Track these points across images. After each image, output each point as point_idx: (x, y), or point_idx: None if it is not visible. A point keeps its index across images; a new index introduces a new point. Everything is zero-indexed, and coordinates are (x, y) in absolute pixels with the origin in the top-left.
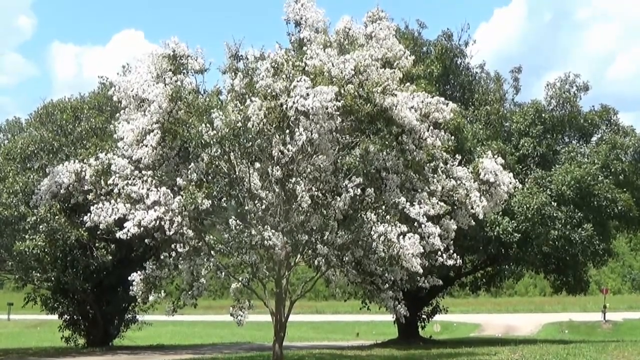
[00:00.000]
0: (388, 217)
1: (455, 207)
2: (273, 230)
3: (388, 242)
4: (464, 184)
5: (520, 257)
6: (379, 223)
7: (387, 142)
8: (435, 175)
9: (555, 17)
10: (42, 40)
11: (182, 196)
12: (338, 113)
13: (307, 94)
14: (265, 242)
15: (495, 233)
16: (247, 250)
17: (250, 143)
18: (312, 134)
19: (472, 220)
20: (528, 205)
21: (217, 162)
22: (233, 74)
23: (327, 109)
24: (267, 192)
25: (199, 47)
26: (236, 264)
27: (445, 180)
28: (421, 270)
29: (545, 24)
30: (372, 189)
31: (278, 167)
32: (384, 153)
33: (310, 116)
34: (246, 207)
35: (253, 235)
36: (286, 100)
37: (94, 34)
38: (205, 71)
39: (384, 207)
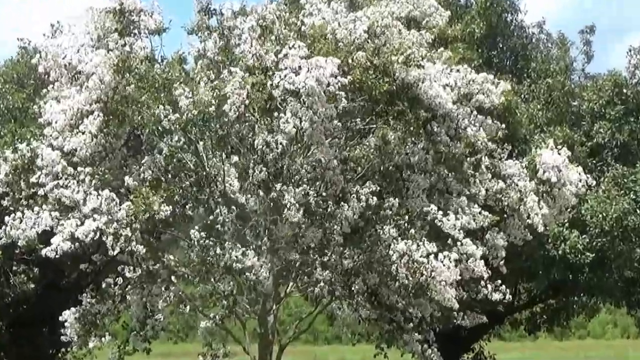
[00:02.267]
0: (413, 231)
1: (505, 217)
2: (255, 249)
3: (413, 264)
4: (517, 185)
5: (595, 285)
6: (400, 239)
7: (412, 130)
8: (478, 174)
9: None
10: None
11: (131, 201)
12: (343, 94)
13: (300, 67)
14: (245, 264)
15: (559, 252)
16: (221, 276)
17: (226, 130)
18: (301, 123)
19: (529, 235)
20: (604, 214)
21: (180, 155)
22: (204, 34)
23: (327, 86)
24: (248, 196)
25: None
26: (206, 295)
27: (491, 181)
28: (457, 305)
29: None
30: (391, 192)
31: (262, 164)
32: (408, 144)
33: (303, 98)
34: (219, 217)
35: (228, 254)
36: (273, 75)
37: None
38: (164, 31)
39: (407, 217)
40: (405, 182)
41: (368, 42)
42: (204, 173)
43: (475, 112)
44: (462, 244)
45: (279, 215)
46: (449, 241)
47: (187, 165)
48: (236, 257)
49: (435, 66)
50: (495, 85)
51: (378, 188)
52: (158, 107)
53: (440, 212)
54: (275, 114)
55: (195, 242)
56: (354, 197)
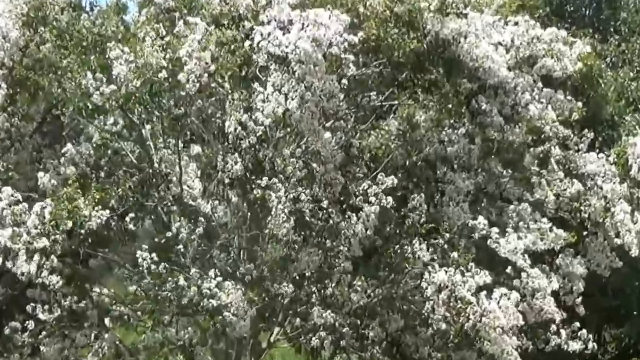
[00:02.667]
0: (455, 254)
1: (585, 234)
2: (221, 279)
3: (456, 303)
4: (601, 188)
5: None
6: (436, 265)
7: (450, 108)
8: (545, 172)
9: None
10: None
11: (50, 206)
12: (352, 59)
13: (290, 22)
14: (211, 300)
15: None
16: (176, 317)
17: (183, 108)
18: (287, 101)
19: (618, 259)
20: None
21: (117, 144)
22: None
23: (329, 47)
24: (215, 203)
25: None
26: (155, 346)
27: (564, 182)
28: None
29: None
30: (421, 196)
31: (236, 154)
32: (445, 129)
33: (293, 65)
34: (173, 231)
35: (194, 286)
36: (252, 29)
37: None
38: None
39: (446, 234)
40: (440, 184)
41: None
42: (152, 169)
43: (540, 84)
44: (528, 275)
45: (260, 230)
46: (508, 269)
47: (128, 158)
48: (209, 289)
49: (484, 17)
50: (570, 46)
51: (395, 184)
52: (86, 75)
53: (495, 229)
54: (255, 84)
55: (144, 269)
56: (365, 198)
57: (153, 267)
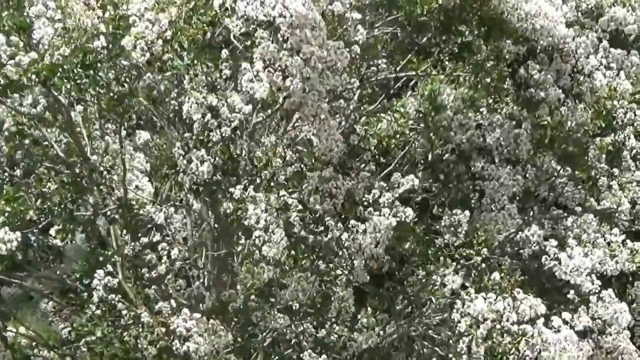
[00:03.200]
0: (497, 275)
1: None
2: (188, 315)
3: (502, 337)
4: None
5: None
6: (471, 291)
7: (489, 81)
8: (617, 171)
9: None
10: None
11: None
12: (359, 17)
13: None
14: (187, 342)
15: None
16: None
17: (128, 84)
18: (284, 80)
19: None
20: None
21: (37, 132)
22: None
23: (330, 3)
24: (170, 210)
25: None
26: None
27: None
28: None
29: None
30: (465, 214)
31: (203, 150)
32: (482, 110)
33: (284, 31)
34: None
35: (150, 320)
36: None
37: None
38: None
39: (483, 249)
40: (478, 183)
41: None
42: (86, 165)
43: (607, 44)
44: (600, 300)
45: (232, 247)
46: (571, 294)
47: (53, 150)
48: (181, 327)
49: None
50: None
51: (418, 184)
52: None
53: (553, 242)
54: (224, 53)
55: (96, 297)
56: (375, 207)
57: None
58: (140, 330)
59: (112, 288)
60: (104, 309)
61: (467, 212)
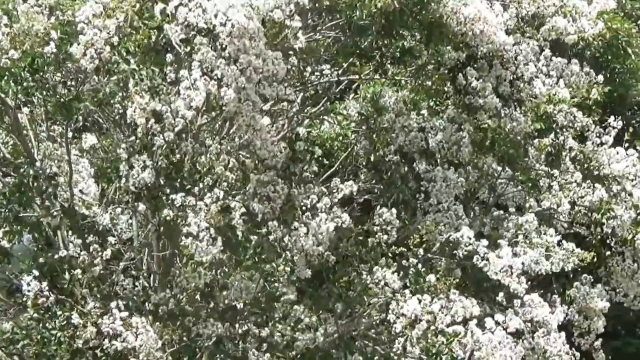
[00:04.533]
0: (432, 277)
1: (608, 254)
2: (127, 315)
3: (436, 337)
4: (629, 195)
5: None
6: (407, 292)
7: (430, 85)
8: (556, 172)
9: None
10: None
11: None
12: (299, 24)
13: None
14: (114, 342)
15: None
16: None
17: (75, 89)
18: (219, 89)
19: None
20: None
21: None
22: None
23: (272, 10)
24: (116, 211)
25: None
26: None
27: (582, 186)
28: None
29: None
30: (392, 212)
31: (145, 155)
32: (423, 112)
33: (222, 40)
34: (63, 252)
35: (78, 321)
36: None
37: None
38: None
39: (420, 249)
40: (423, 184)
41: None
42: (32, 168)
43: (549, 53)
44: (528, 303)
45: (176, 248)
46: (500, 297)
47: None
48: (110, 329)
49: None
50: (588, 1)
51: (356, 194)
52: None
53: (484, 242)
54: (168, 57)
55: (29, 301)
56: (314, 212)
57: (37, 295)
58: (73, 330)
59: (48, 291)
60: (40, 311)
61: (394, 211)
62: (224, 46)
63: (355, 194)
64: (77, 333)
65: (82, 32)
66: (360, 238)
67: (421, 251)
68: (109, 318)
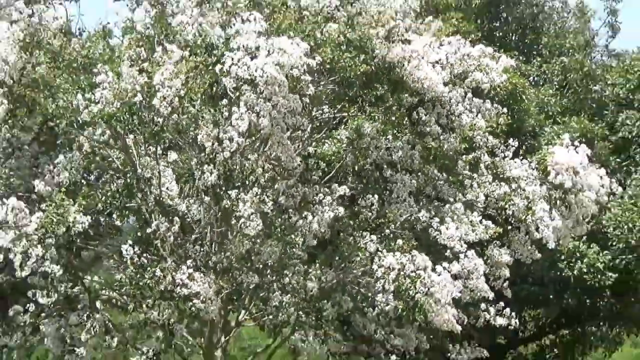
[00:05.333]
0: (400, 242)
1: (509, 229)
2: (193, 269)
3: (405, 279)
4: (523, 190)
5: (617, 312)
6: (384, 252)
7: (394, 119)
8: (476, 176)
9: None
10: None
11: (44, 212)
12: (309, 79)
13: (257, 48)
14: (181, 289)
15: (575, 272)
16: (156, 301)
17: (162, 119)
18: (259, 118)
19: (537, 251)
20: (631, 225)
21: (104, 152)
22: (133, 1)
23: (291, 69)
24: (190, 202)
25: None
26: (138, 324)
27: (492, 184)
28: (459, 329)
29: None
30: (373, 196)
31: (210, 165)
32: (389, 137)
33: (260, 87)
34: (152, 227)
35: (170, 276)
36: (221, 56)
37: None
38: None
39: (391, 226)
40: (387, 184)
41: (340, 11)
42: (135, 174)
43: (471, 95)
44: (464, 257)
45: (229, 226)
46: (447, 253)
47: (114, 164)
48: (181, 280)
49: (422, 39)
50: (496, 60)
51: (348, 190)
52: (76, 94)
53: (437, 220)
54: (223, 101)
55: (128, 260)
56: (320, 205)
57: (135, 258)
58: (157, 280)
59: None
60: (137, 267)
61: (376, 196)
62: (261, 91)
63: (347, 191)
64: (160, 282)
65: (158, 90)
66: (351, 217)
67: (392, 226)
68: (180, 273)
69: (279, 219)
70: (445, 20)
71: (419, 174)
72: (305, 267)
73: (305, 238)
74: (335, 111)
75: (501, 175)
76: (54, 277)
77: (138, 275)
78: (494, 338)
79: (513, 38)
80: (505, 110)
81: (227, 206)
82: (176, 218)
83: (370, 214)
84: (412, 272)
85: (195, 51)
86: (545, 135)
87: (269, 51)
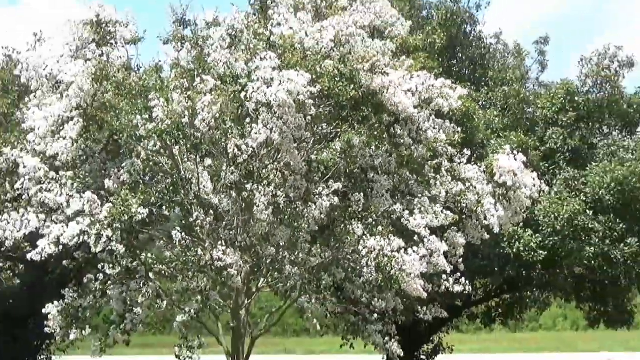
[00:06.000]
0: (380, 228)
1: (464, 217)
2: (225, 247)
3: (383, 258)
4: (475, 188)
5: (547, 281)
6: (368, 236)
7: (375, 134)
8: (438, 177)
9: None
10: None
11: (112, 203)
12: (312, 102)
13: (272, 79)
14: (216, 262)
15: (514, 250)
16: (195, 273)
17: (200, 135)
18: (272, 133)
19: (486, 234)
20: (556, 215)
21: (156, 159)
22: (179, 43)
23: (297, 95)
24: (221, 196)
25: (129, 10)
26: (182, 290)
27: (451, 183)
28: (425, 295)
29: None
30: (360, 193)
31: (234, 167)
32: (372, 147)
33: (274, 109)
34: (193, 217)
35: (201, 253)
36: (245, 86)
37: None
38: (139, 41)
39: (374, 215)
40: (370, 183)
41: (334, 51)
42: (179, 176)
43: (434, 117)
44: (427, 241)
45: (251, 214)
46: (415, 238)
47: (164, 168)
48: (217, 257)
49: (397, 73)
50: (453, 90)
51: (341, 186)
52: (135, 114)
53: (407, 212)
54: (247, 120)
55: (177, 242)
56: (319, 197)
57: (181, 240)
58: (199, 257)
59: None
60: (183, 247)
61: (362, 193)
62: (274, 111)
63: (340, 188)
64: (200, 258)
65: (199, 113)
66: (344, 209)
67: (374, 216)
68: (215, 251)
69: (289, 209)
70: (414, 59)
71: (395, 175)
72: (309, 246)
73: (309, 224)
74: (331, 127)
75: (458, 177)
76: (118, 254)
77: (183, 253)
78: (453, 301)
79: (466, 72)
80: (460, 127)
81: (245, 197)
82: (211, 210)
83: (357, 206)
84: (389, 252)
85: (225, 81)
86: (491, 146)
87: (280, 81)
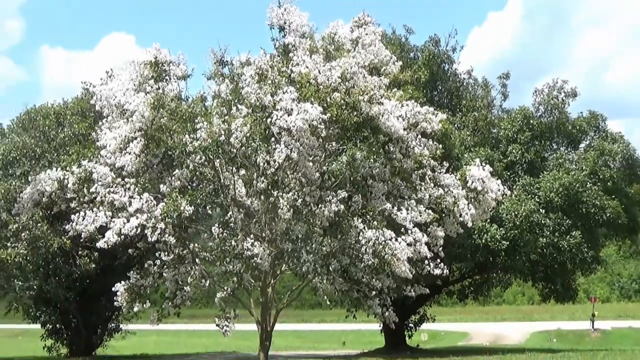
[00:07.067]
0: (375, 223)
1: (443, 215)
2: (253, 240)
3: (379, 245)
4: (452, 192)
5: (509, 265)
6: (366, 229)
7: (373, 150)
8: (423, 183)
9: (551, 21)
10: (32, 44)
11: (165, 203)
12: (323, 127)
13: (292, 109)
14: (253, 251)
15: (483, 241)
16: (231, 259)
17: (236, 150)
18: (291, 152)
19: (460, 228)
20: (516, 213)
21: (201, 169)
22: (219, 79)
23: (312, 121)
24: (252, 199)
25: (180, 53)
26: (221, 273)
27: (433, 189)
28: (411, 276)
29: (541, 28)
30: (359, 196)
31: (263, 177)
32: (371, 160)
33: (293, 132)
34: (229, 215)
35: (240, 245)
36: (271, 113)
37: (84, 37)
38: (188, 77)
39: (371, 213)
40: (369, 188)
41: (341, 85)
42: (219, 183)
43: (419, 136)
44: (412, 232)
45: (275, 214)
46: (402, 230)
47: (207, 176)
48: (247, 247)
49: (391, 102)
50: (435, 115)
51: (347, 194)
52: (185, 135)
53: (395, 209)
54: (272, 139)
55: (216, 235)
56: (329, 201)
57: (220, 234)
58: (233, 247)
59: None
60: (222, 239)
61: (363, 197)
62: (293, 134)
63: (346, 194)
64: (234, 248)
65: (233, 133)
66: (346, 210)
67: (371, 214)
68: (246, 242)
69: (305, 210)
70: (404, 91)
71: (389, 182)
72: (321, 238)
73: (321, 221)
74: (339, 145)
75: (438, 183)
76: (170, 244)
77: (221, 244)
78: (434, 281)
79: (445, 101)
80: (440, 144)
81: (272, 200)
82: (243, 210)
83: (358, 206)
84: (383, 241)
85: (255, 109)
86: (464, 159)
87: (298, 112)
